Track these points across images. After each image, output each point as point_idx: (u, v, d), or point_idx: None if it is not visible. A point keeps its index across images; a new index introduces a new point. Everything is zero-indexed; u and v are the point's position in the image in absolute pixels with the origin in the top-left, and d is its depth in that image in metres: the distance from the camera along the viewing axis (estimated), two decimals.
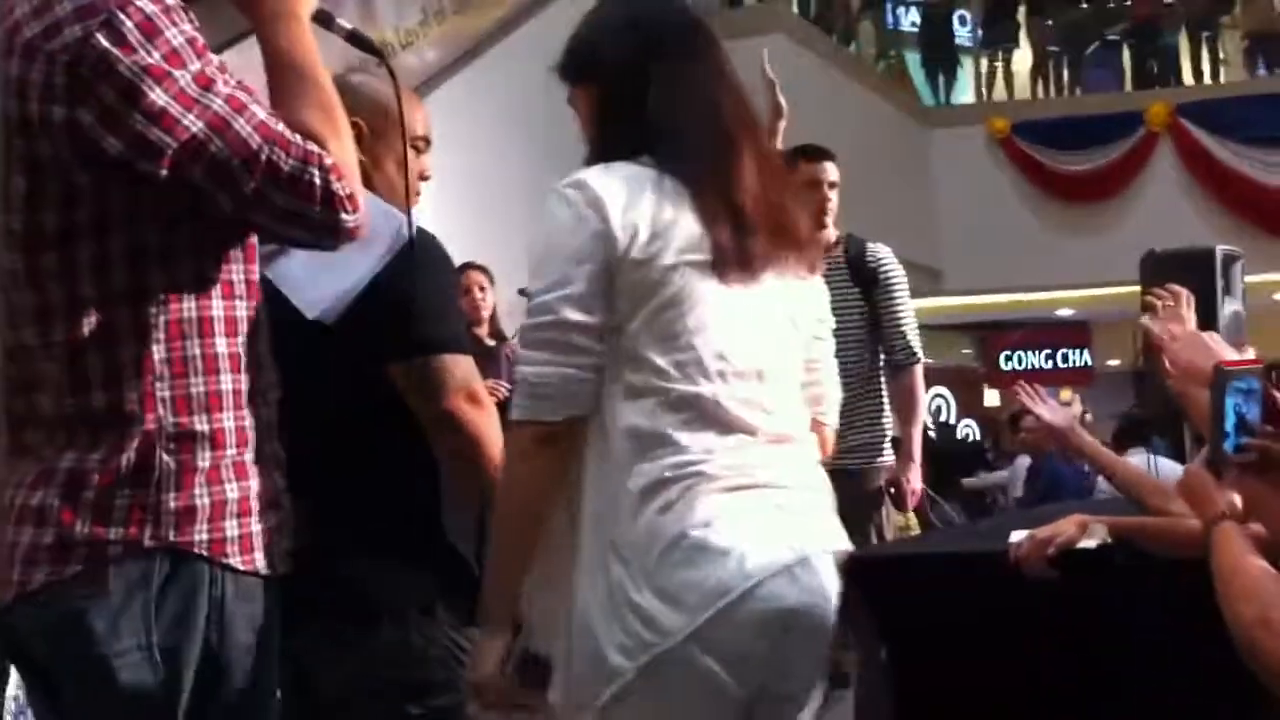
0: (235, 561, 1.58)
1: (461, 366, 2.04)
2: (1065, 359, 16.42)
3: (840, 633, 1.90)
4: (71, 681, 1.56)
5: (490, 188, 6.50)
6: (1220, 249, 3.79)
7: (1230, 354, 2.03)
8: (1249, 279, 3.94)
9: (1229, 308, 3.66)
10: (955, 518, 7.02)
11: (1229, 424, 1.80)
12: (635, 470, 1.70)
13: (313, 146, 1.57)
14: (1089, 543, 2.57)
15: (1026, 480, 8.24)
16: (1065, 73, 14.12)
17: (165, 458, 1.55)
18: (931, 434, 9.84)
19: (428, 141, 2.37)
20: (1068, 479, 7.29)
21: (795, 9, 11.31)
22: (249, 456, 1.62)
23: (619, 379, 1.73)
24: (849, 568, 1.88)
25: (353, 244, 1.67)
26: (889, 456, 4.32)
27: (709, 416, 1.73)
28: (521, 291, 4.05)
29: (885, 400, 4.35)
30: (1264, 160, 12.22)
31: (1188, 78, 13.70)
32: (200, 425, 1.57)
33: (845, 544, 1.87)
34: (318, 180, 1.57)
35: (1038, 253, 12.49)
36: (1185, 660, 2.49)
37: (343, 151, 1.61)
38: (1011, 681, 2.75)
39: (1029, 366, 15.99)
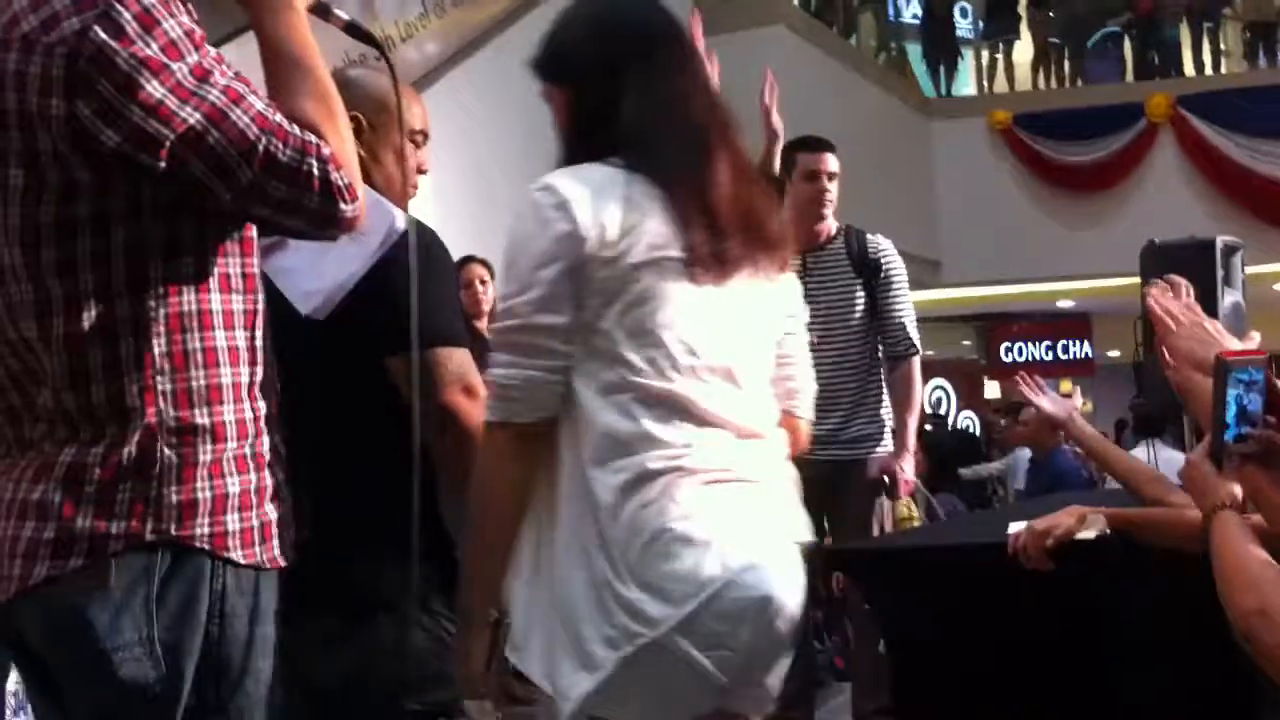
0: (236, 555, 1.58)
1: (456, 359, 2.04)
2: (1066, 351, 16.43)
3: (840, 628, 1.94)
4: (72, 676, 1.56)
5: (491, 180, 6.50)
6: (1221, 240, 3.78)
7: (1233, 343, 2.03)
8: (1250, 270, 3.93)
9: (1229, 298, 3.66)
10: (940, 513, 7.03)
11: (1230, 414, 1.80)
12: (614, 466, 1.73)
13: (310, 137, 1.57)
14: (1087, 534, 2.58)
15: (1030, 473, 8.26)
16: (1066, 64, 14.11)
17: (166, 451, 1.55)
18: (928, 426, 9.87)
19: (425, 135, 2.37)
20: (1072, 472, 7.29)
21: (796, 1, 11.29)
22: (250, 450, 1.62)
23: (594, 376, 1.76)
24: (849, 560, 1.90)
25: (346, 238, 1.67)
26: (888, 447, 4.33)
27: (683, 412, 1.76)
28: None
29: (884, 392, 4.36)
30: (1265, 151, 12.21)
31: (1189, 69, 13.69)
32: (201, 419, 1.57)
33: (810, 536, 1.92)
34: (316, 170, 1.57)
35: (1038, 244, 12.49)
36: (1183, 650, 2.49)
37: (340, 142, 1.61)
38: (1009, 672, 2.75)
39: (1030, 358, 15.99)
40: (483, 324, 5.16)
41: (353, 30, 1.81)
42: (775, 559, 1.80)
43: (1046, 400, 3.19)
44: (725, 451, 1.79)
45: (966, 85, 14.63)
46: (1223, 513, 1.82)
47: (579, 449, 1.76)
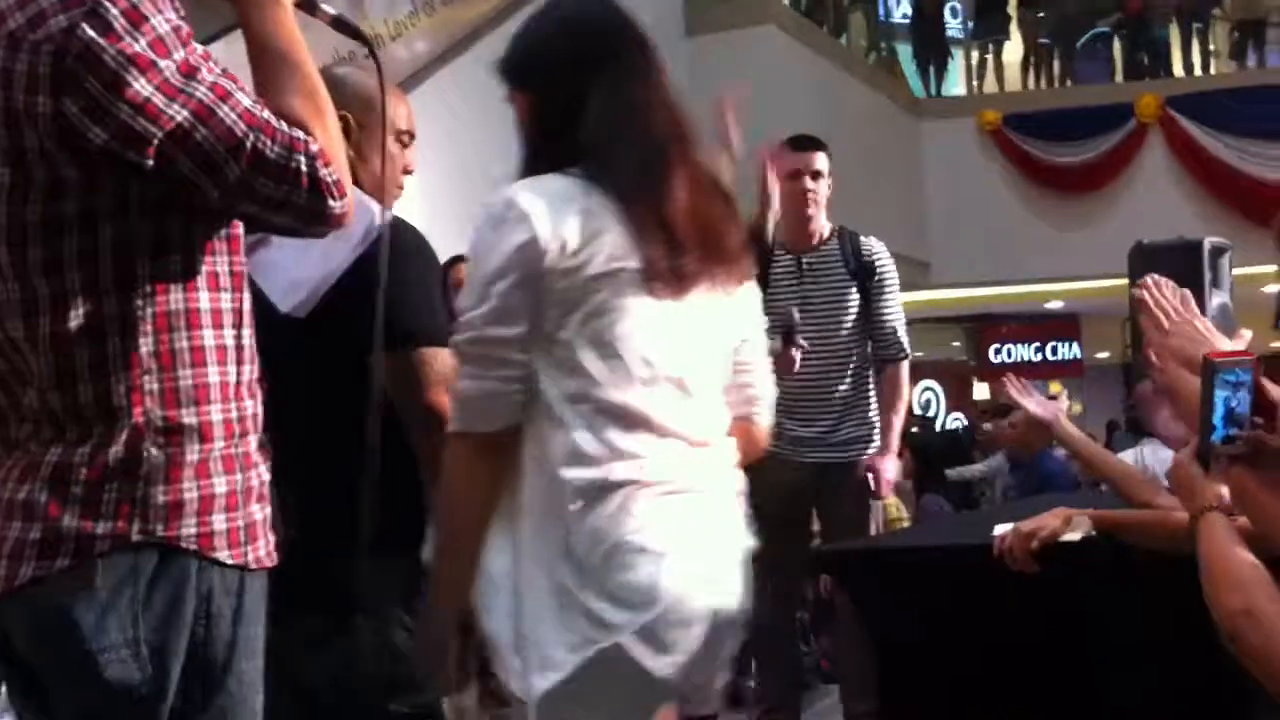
0: (223, 556, 1.57)
1: (441, 359, 2.04)
2: (1055, 352, 16.45)
3: (827, 630, 2.00)
4: (58, 677, 1.55)
5: (479, 179, 6.47)
6: (1208, 241, 3.78)
7: (1224, 342, 2.03)
8: (1238, 271, 3.94)
9: (1216, 300, 3.65)
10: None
11: (1217, 416, 1.80)
12: (576, 477, 1.78)
13: (298, 133, 1.57)
14: (1073, 535, 2.58)
15: (1018, 474, 8.32)
16: (1056, 65, 14.14)
17: (153, 451, 1.54)
18: (914, 429, 9.88)
19: (411, 136, 2.37)
20: (1060, 473, 7.31)
21: (787, 1, 11.29)
22: (237, 449, 1.61)
23: (556, 385, 1.80)
24: (836, 561, 1.92)
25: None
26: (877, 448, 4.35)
27: (641, 423, 1.81)
28: None
29: (874, 394, 4.37)
30: (1253, 152, 12.24)
31: (1178, 70, 13.73)
32: (189, 418, 1.57)
33: (753, 542, 1.96)
34: (304, 167, 1.56)
35: (1028, 245, 12.51)
36: (1168, 651, 2.50)
37: (328, 138, 1.60)
38: (996, 673, 2.76)
39: (1019, 359, 16.02)
40: None
41: (340, 25, 1.80)
42: (723, 568, 1.87)
43: (1033, 402, 3.20)
44: (679, 462, 1.84)
45: (956, 85, 14.64)
46: (1210, 514, 1.82)
47: (542, 458, 1.80)
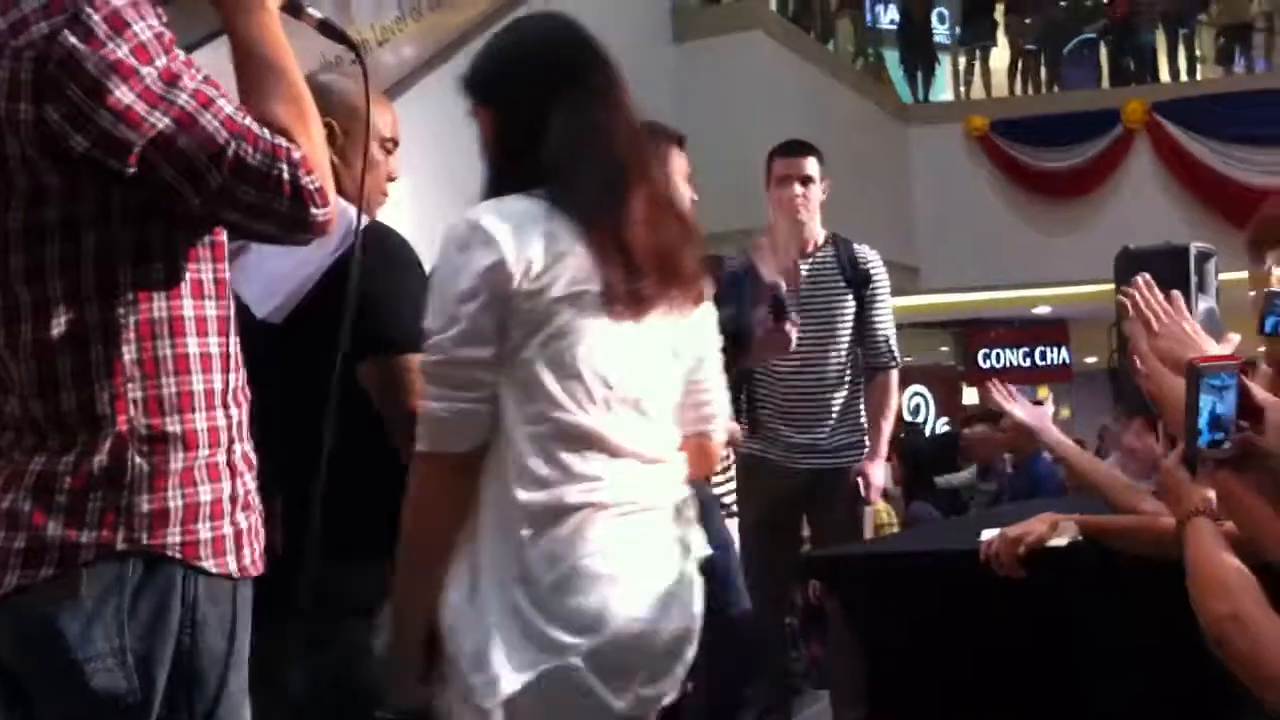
0: (208, 565, 1.57)
1: None
2: (1044, 357, 16.47)
3: (817, 636, 2.01)
4: (43, 686, 1.55)
5: (467, 185, 6.47)
6: (1194, 246, 3.79)
7: (1211, 345, 2.04)
8: (1224, 276, 3.94)
9: (1203, 305, 3.66)
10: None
11: (1202, 420, 1.81)
12: (533, 498, 1.80)
13: (280, 140, 1.56)
14: (1059, 541, 2.59)
15: (989, 481, 8.42)
16: (1043, 70, 14.16)
17: (137, 459, 1.53)
18: (901, 434, 9.88)
19: (395, 143, 2.37)
20: (1049, 478, 7.33)
21: (774, 6, 11.30)
22: (222, 458, 1.61)
23: (517, 407, 1.82)
24: (824, 567, 1.93)
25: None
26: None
27: (598, 444, 1.83)
28: None
29: (863, 401, 4.38)
30: (1239, 157, 12.27)
31: (1164, 75, 13.76)
32: (173, 426, 1.56)
33: (708, 551, 1.99)
34: (286, 174, 1.56)
35: (1015, 250, 12.52)
36: (1155, 656, 2.50)
37: (311, 145, 1.60)
38: (984, 678, 2.76)
39: (1008, 364, 16.04)
40: None
41: (325, 29, 1.79)
42: (678, 585, 1.89)
43: (1019, 408, 3.21)
44: (634, 482, 1.87)
45: (943, 91, 14.66)
46: (1196, 519, 1.83)
47: (501, 478, 1.82)
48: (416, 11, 6.66)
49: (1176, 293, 2.12)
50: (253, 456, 1.68)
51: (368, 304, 1.97)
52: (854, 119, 11.23)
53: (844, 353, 4.30)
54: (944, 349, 17.42)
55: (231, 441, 1.63)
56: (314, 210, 1.59)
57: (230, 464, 1.62)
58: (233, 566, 1.60)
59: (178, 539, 1.54)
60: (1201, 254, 3.79)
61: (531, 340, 1.81)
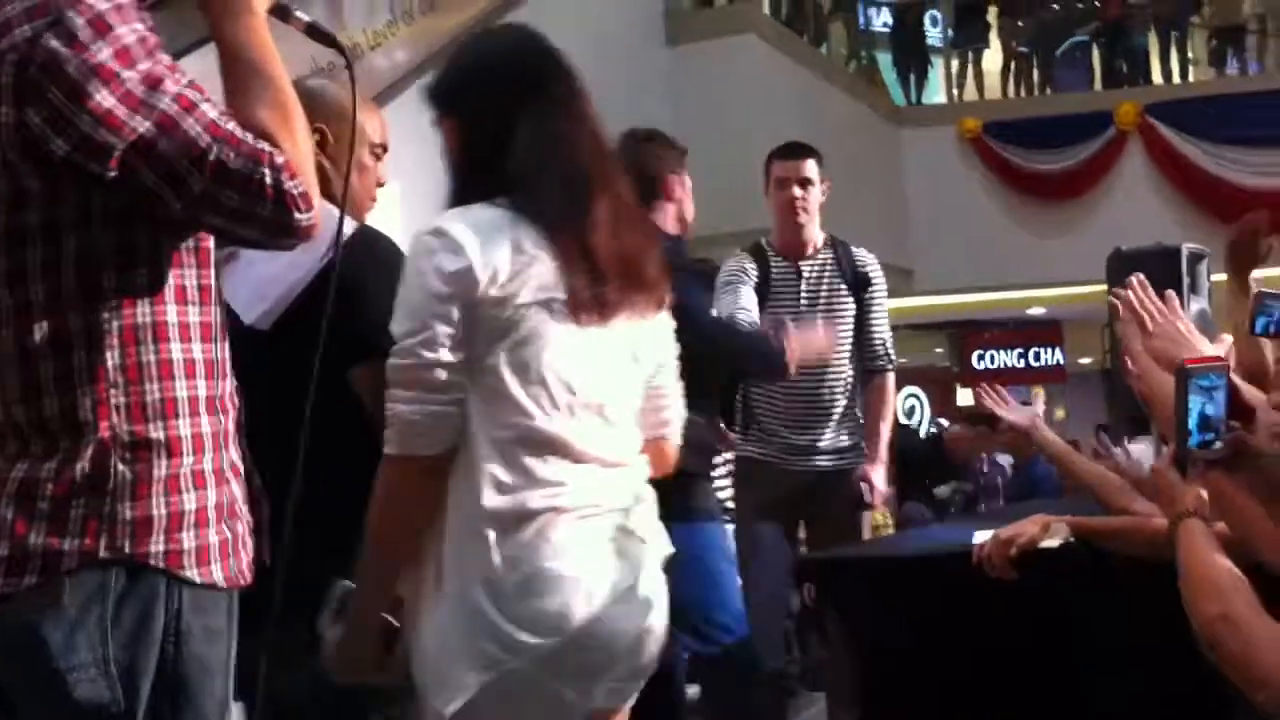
0: (192, 574, 1.55)
1: None
2: (1038, 358, 16.47)
3: (814, 638, 2.04)
4: (27, 695, 1.54)
5: None
6: (1186, 247, 3.80)
7: (1205, 344, 2.04)
8: (1216, 277, 3.95)
9: (1195, 305, 3.67)
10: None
11: (1192, 421, 1.81)
12: (497, 503, 1.82)
13: (264, 145, 1.55)
14: (1051, 542, 2.59)
15: (966, 482, 8.45)
16: (1035, 73, 14.17)
17: (121, 467, 1.52)
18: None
19: (384, 148, 2.36)
20: (1047, 479, 7.34)
21: (767, 9, 11.30)
22: (207, 465, 1.59)
23: (482, 412, 1.84)
24: (820, 569, 1.93)
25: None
26: None
27: (561, 450, 1.87)
28: None
29: (860, 402, 4.37)
30: (1231, 159, 12.29)
31: (1157, 78, 13.77)
32: (156, 433, 1.55)
33: (670, 549, 2.01)
34: (269, 179, 1.54)
35: (1009, 252, 12.53)
36: (1153, 656, 2.50)
37: (296, 150, 1.59)
38: (981, 680, 2.75)
39: (1002, 365, 16.04)
40: None
41: (314, 32, 1.78)
42: (639, 586, 1.92)
43: (1010, 411, 3.22)
44: (596, 486, 1.90)
45: (936, 93, 14.67)
46: (1188, 520, 1.82)
47: (464, 483, 1.84)
48: (408, 15, 6.66)
49: (1171, 292, 2.12)
50: (240, 465, 1.67)
51: (359, 308, 1.97)
52: (847, 121, 11.24)
53: (843, 355, 4.29)
54: (938, 350, 17.43)
55: (219, 449, 1.61)
56: (298, 215, 1.57)
57: (217, 471, 1.60)
58: (218, 576, 1.58)
59: (161, 548, 1.53)
60: (1194, 255, 3.81)
61: (497, 347, 1.83)
